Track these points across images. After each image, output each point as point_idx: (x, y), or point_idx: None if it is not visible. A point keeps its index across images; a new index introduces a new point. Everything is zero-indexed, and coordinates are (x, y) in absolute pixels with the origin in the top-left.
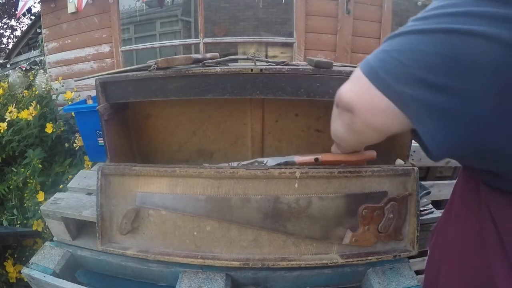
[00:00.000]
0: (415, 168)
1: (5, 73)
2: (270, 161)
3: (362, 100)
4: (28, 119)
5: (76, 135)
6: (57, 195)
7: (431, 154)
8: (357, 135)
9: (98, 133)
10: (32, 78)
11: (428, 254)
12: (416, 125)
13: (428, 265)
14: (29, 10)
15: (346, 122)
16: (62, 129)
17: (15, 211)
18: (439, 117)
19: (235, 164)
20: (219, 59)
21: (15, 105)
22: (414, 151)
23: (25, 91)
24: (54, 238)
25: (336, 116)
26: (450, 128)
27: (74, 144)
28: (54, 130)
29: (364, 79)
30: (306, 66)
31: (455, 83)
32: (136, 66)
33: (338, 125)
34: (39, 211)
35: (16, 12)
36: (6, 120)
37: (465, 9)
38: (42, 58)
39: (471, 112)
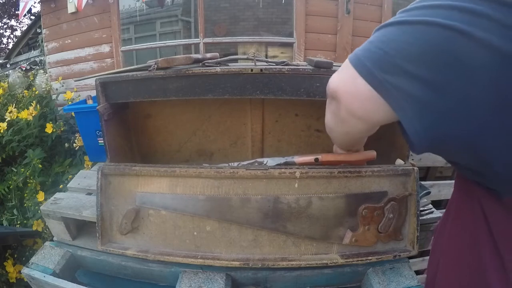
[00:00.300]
0: (415, 168)
1: (5, 73)
2: (270, 162)
3: (346, 87)
4: (28, 119)
5: (76, 135)
6: (57, 195)
7: (412, 144)
8: (343, 124)
9: (98, 133)
10: (32, 78)
11: (430, 253)
12: (398, 113)
13: (429, 264)
14: (29, 10)
15: (333, 111)
16: (62, 129)
17: (15, 211)
18: (418, 107)
19: (235, 164)
20: (219, 59)
21: (15, 105)
22: None
23: (25, 91)
24: (54, 238)
25: (326, 107)
26: (428, 118)
27: (74, 144)
28: (54, 130)
29: (350, 68)
30: (306, 66)
31: (433, 75)
32: (136, 66)
33: (327, 114)
34: (39, 211)
35: (17, 12)
36: (6, 120)
37: (447, 3)
38: (42, 58)
39: (446, 104)
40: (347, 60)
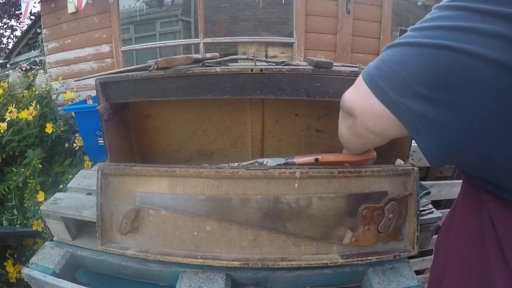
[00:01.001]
0: (415, 168)
1: (5, 73)
2: (270, 162)
3: (362, 106)
4: (28, 119)
5: (76, 135)
6: (57, 195)
7: (428, 160)
8: (359, 138)
9: (98, 133)
10: (32, 78)
11: (433, 252)
12: (412, 133)
13: (434, 263)
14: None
15: (349, 125)
16: (62, 129)
17: (15, 211)
18: (432, 128)
19: (235, 164)
20: (219, 59)
21: (15, 105)
22: (414, 151)
23: (25, 91)
24: (54, 238)
25: (341, 119)
26: (442, 138)
27: (74, 144)
28: (54, 130)
29: (364, 86)
30: (306, 66)
31: (445, 97)
32: (136, 66)
33: (342, 127)
34: (39, 211)
35: (17, 12)
36: (6, 120)
37: (458, 24)
38: (42, 58)
39: (462, 125)
40: (360, 77)
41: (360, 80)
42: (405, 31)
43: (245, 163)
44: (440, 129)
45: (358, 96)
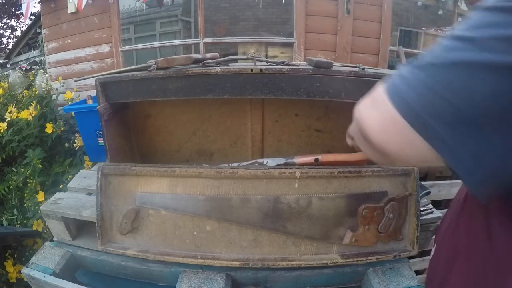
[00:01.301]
0: (415, 168)
1: (5, 73)
2: (270, 162)
3: (398, 144)
4: (28, 119)
5: (76, 135)
6: (57, 195)
7: (471, 191)
8: (385, 161)
9: (98, 133)
10: (32, 78)
11: (434, 249)
12: (457, 170)
13: (435, 262)
14: None
15: (375, 156)
16: (62, 129)
17: (15, 211)
18: (482, 160)
19: (235, 164)
20: (219, 59)
21: (15, 105)
22: None
23: (25, 91)
24: (54, 238)
25: (359, 142)
26: (494, 169)
27: (74, 144)
28: (54, 130)
29: (397, 117)
30: (306, 66)
31: (507, 127)
32: (136, 66)
33: (364, 148)
34: (39, 211)
35: (17, 12)
36: (6, 120)
37: None
38: (42, 58)
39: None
40: (384, 98)
41: (384, 102)
42: (406, 31)
43: (245, 163)
44: (492, 160)
45: (389, 130)
